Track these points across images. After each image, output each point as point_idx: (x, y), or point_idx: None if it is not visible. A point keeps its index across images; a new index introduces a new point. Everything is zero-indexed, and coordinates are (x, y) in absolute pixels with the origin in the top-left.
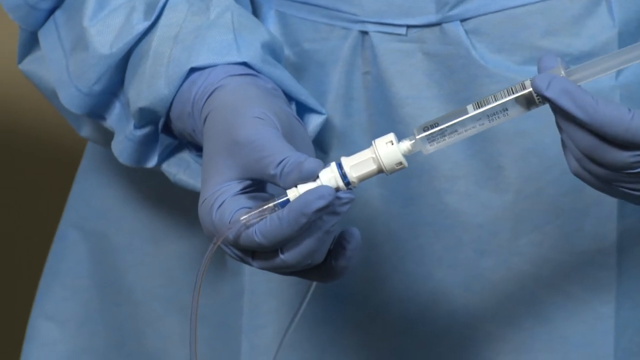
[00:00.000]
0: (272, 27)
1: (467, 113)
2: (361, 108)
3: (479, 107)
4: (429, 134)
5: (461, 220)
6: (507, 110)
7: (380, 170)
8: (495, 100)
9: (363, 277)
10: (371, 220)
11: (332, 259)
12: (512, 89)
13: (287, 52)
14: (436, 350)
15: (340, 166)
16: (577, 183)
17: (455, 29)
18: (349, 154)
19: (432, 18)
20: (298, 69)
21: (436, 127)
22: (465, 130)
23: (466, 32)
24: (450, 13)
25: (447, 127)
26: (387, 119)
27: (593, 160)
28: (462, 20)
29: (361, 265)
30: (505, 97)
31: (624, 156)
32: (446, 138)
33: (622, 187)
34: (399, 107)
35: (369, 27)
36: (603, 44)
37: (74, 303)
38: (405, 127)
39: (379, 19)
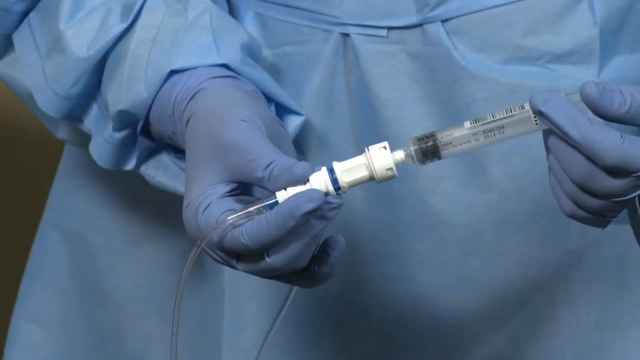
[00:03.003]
0: (250, 28)
1: (464, 127)
2: (343, 110)
3: (476, 123)
4: (424, 148)
5: (445, 221)
6: (503, 128)
7: (371, 177)
8: (493, 118)
9: (346, 279)
10: (354, 223)
11: (315, 265)
12: (510, 109)
13: (266, 54)
14: (422, 352)
15: (331, 171)
16: None
17: (436, 30)
18: (329, 156)
19: (413, 19)
20: (277, 71)
21: (431, 139)
22: (460, 144)
23: (447, 32)
24: (431, 14)
25: (442, 139)
26: (370, 120)
27: (586, 190)
28: (443, 21)
29: (344, 268)
30: (503, 115)
31: (616, 183)
32: (440, 151)
33: (615, 217)
34: (382, 108)
35: (350, 29)
36: (585, 41)
37: (55, 304)
38: (388, 128)
39: (359, 21)
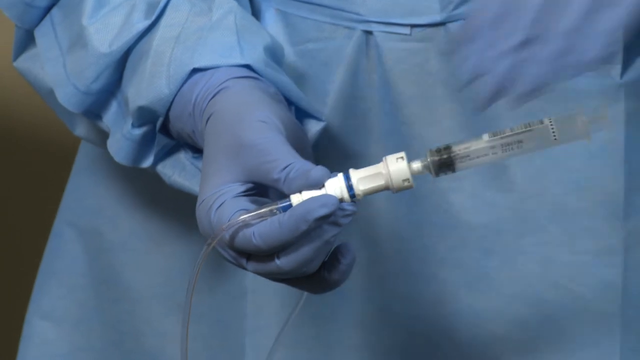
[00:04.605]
0: (272, 25)
1: (482, 140)
2: (366, 108)
3: (495, 137)
4: (441, 159)
5: (466, 219)
6: (521, 142)
7: (387, 187)
8: (512, 132)
9: (368, 276)
10: (376, 220)
11: (325, 271)
12: (529, 123)
13: (288, 50)
14: (441, 350)
15: (347, 177)
16: (581, 182)
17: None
18: (349, 154)
19: (437, 17)
20: (299, 69)
21: (449, 150)
22: (477, 157)
23: None
24: (455, 12)
25: (459, 152)
26: (392, 118)
27: None
28: None
29: (366, 265)
30: (522, 129)
31: None
32: (456, 164)
33: None
34: (404, 107)
35: (373, 27)
36: None
37: (70, 301)
38: (410, 127)
39: (383, 18)
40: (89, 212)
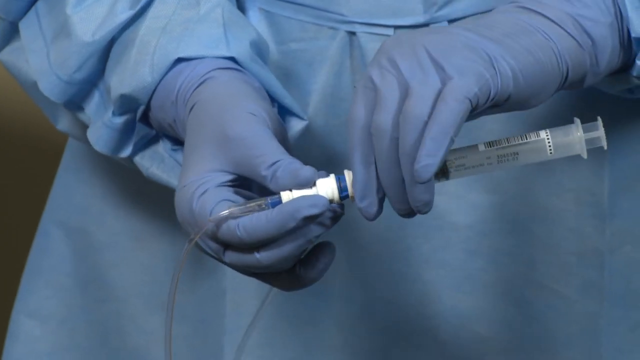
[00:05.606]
0: (256, 24)
1: (478, 150)
2: (349, 108)
3: (491, 147)
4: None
5: (450, 220)
6: (517, 154)
7: None
8: (508, 143)
9: (351, 276)
10: (359, 220)
11: (301, 269)
12: (525, 135)
13: (272, 49)
14: (425, 351)
15: (340, 179)
16: (565, 183)
17: None
18: (332, 155)
19: (420, 19)
20: (283, 68)
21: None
22: (473, 167)
23: None
24: (438, 13)
25: (455, 161)
26: None
27: None
28: (450, 21)
29: (349, 265)
30: (518, 141)
31: None
32: (451, 173)
33: None
34: None
35: (357, 28)
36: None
37: (56, 300)
38: None
39: (366, 19)
40: (76, 211)
